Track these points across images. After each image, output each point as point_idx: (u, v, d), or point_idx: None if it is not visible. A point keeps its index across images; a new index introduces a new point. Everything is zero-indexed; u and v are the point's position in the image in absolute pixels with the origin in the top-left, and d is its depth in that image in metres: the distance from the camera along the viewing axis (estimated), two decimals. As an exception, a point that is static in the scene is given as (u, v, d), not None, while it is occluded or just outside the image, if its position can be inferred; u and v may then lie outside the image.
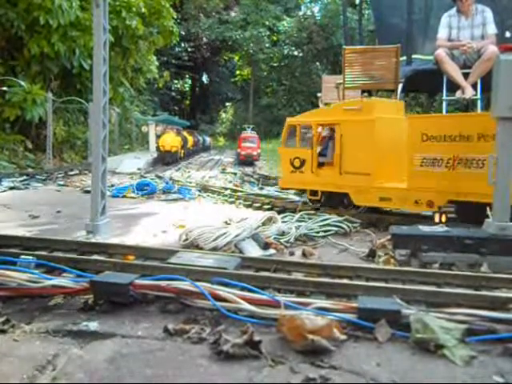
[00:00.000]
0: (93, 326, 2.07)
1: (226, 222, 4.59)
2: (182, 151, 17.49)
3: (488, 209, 3.36)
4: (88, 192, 6.33)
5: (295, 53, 30.98)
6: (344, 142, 5.08)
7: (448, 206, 4.36)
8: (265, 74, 32.52)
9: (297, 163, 5.54)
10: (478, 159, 4.14)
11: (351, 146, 5.04)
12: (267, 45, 32.35)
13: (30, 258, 2.79)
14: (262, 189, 8.20)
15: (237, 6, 31.80)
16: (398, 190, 4.66)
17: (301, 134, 5.56)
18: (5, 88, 11.81)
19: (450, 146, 4.32)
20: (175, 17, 18.48)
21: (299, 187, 5.77)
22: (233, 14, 31.89)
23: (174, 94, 34.65)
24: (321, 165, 5.39)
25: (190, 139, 20.34)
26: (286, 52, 31.26)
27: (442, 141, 4.38)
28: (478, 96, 5.79)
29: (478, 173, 4.12)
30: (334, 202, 5.28)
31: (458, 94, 5.92)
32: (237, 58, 34.63)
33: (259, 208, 5.88)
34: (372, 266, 3.16)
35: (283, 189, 6.57)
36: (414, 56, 7.82)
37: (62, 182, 9.61)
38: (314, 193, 5.39)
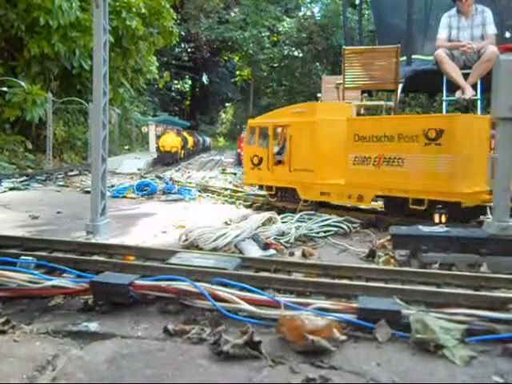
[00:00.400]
0: (93, 326, 2.07)
1: (226, 223, 4.59)
2: (182, 152, 17.48)
3: (488, 209, 3.36)
4: (88, 192, 6.33)
5: (295, 53, 30.99)
6: (293, 142, 5.58)
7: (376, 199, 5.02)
8: (265, 74, 32.53)
9: (255, 161, 6.09)
10: (399, 158, 4.58)
11: (298, 146, 5.53)
12: (267, 45, 32.36)
13: (30, 258, 2.79)
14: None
15: (237, 6, 31.81)
16: (336, 186, 5.14)
17: (261, 134, 6.07)
18: (5, 88, 11.81)
19: (376, 146, 4.77)
20: (175, 17, 18.48)
21: (258, 183, 6.31)
22: (232, 14, 31.90)
23: (173, 94, 34.66)
24: (278, 163, 5.88)
25: (190, 140, 20.34)
26: (285, 52, 31.26)
27: (370, 141, 4.83)
28: (478, 96, 5.80)
29: (398, 170, 4.58)
30: (286, 196, 5.84)
31: (458, 94, 5.92)
32: (237, 58, 34.64)
33: (259, 208, 5.88)
34: (372, 266, 3.16)
35: (246, 185, 7.27)
36: (413, 56, 7.83)
37: (62, 183, 9.61)
38: (270, 188, 5.98)
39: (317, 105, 6.30)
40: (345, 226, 4.41)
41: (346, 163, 4.96)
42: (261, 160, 6.02)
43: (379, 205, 5.18)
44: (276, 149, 5.91)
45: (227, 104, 39.04)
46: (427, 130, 4.39)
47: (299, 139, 5.50)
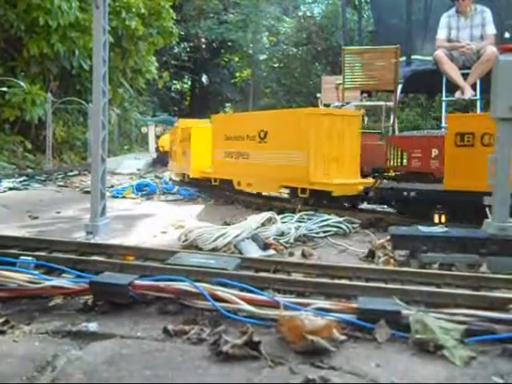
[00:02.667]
0: (92, 326, 2.07)
1: (225, 223, 4.59)
2: (182, 152, 17.45)
3: (487, 209, 3.36)
4: (87, 193, 6.34)
5: (295, 53, 30.98)
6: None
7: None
8: (264, 74, 32.49)
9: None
10: (247, 153, 6.16)
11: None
12: (267, 45, 32.33)
13: (30, 258, 2.79)
14: None
15: (236, 7, 31.80)
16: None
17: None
18: (4, 89, 11.81)
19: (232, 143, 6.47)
20: (175, 17, 18.48)
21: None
22: (231, 15, 31.89)
23: (173, 94, 34.59)
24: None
25: (190, 140, 20.28)
26: (285, 52, 31.25)
27: (231, 139, 6.49)
28: (478, 96, 5.80)
29: (244, 163, 6.18)
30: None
31: (458, 94, 5.93)
32: (236, 58, 34.64)
33: (259, 208, 5.88)
34: (371, 266, 3.16)
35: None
36: (413, 56, 7.82)
37: (61, 183, 9.62)
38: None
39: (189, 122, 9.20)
40: (344, 227, 4.41)
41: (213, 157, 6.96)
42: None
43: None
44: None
45: (227, 104, 39.01)
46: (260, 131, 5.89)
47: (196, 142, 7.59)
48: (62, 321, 2.14)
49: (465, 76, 5.85)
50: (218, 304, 2.15)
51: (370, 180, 5.31)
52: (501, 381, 1.65)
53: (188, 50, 33.67)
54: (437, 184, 4.50)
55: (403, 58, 7.43)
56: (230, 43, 32.05)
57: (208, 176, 7.13)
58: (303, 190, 5.31)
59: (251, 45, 30.65)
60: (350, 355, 1.83)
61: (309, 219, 4.50)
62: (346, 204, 5.23)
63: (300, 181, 5.33)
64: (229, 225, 4.23)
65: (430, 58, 6.78)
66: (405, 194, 4.56)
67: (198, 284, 2.26)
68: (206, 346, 1.89)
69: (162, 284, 2.32)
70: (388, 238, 3.54)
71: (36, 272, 2.58)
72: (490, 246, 3.08)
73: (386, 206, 5.12)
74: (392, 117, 7.39)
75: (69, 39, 12.87)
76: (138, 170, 13.08)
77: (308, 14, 31.60)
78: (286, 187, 5.67)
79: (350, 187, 5.09)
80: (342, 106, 6.69)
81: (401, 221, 4.48)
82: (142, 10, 15.60)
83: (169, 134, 16.90)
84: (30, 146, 13.00)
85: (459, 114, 5.48)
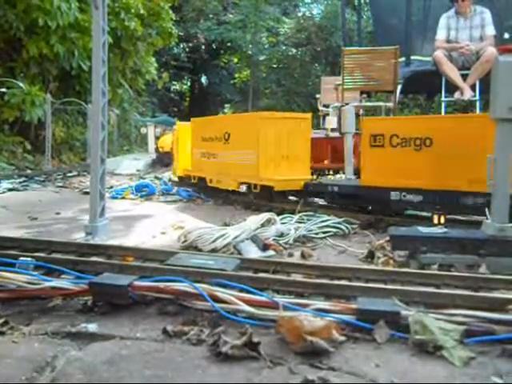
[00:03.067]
0: (92, 327, 2.07)
1: (224, 224, 4.59)
2: (181, 152, 17.45)
3: (487, 210, 3.36)
4: (87, 193, 6.32)
5: (294, 54, 30.98)
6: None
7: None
8: (264, 75, 32.50)
9: None
10: (214, 153, 6.92)
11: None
12: (266, 46, 32.33)
13: (29, 259, 2.79)
14: None
15: (236, 7, 31.80)
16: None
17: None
18: (3, 89, 11.81)
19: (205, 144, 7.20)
20: (174, 18, 18.48)
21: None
22: (231, 15, 31.89)
23: (172, 95, 34.59)
24: None
25: (189, 140, 20.29)
26: (284, 53, 31.26)
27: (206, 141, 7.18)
28: (477, 97, 5.81)
29: (214, 162, 6.93)
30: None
31: (457, 95, 5.93)
32: (236, 59, 34.64)
33: (258, 209, 5.88)
34: (371, 267, 3.16)
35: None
36: (412, 57, 7.83)
37: (60, 184, 9.61)
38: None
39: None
40: (344, 227, 4.41)
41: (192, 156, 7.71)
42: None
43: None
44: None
45: (226, 105, 39.01)
46: (225, 132, 6.55)
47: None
48: (61, 322, 2.14)
49: (464, 77, 5.86)
50: (217, 305, 2.15)
51: (311, 176, 6.03)
52: (500, 381, 1.65)
53: (187, 50, 33.67)
54: (356, 180, 5.22)
55: (402, 59, 7.43)
56: (229, 44, 32.05)
57: (189, 174, 7.76)
58: (255, 186, 5.90)
59: (250, 45, 30.66)
60: (349, 356, 1.83)
61: (308, 220, 4.50)
62: (290, 197, 6.01)
63: (252, 177, 5.94)
64: (228, 226, 4.23)
65: (429, 59, 6.78)
66: (329, 188, 5.26)
67: (197, 285, 2.27)
68: (205, 346, 1.89)
69: (161, 285, 2.32)
70: (387, 238, 3.54)
71: (35, 273, 2.58)
72: (489, 247, 3.09)
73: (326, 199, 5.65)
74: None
75: (68, 40, 12.87)
76: (138, 170, 13.08)
77: (307, 14, 31.62)
78: (244, 183, 6.24)
79: (292, 183, 5.64)
80: (342, 106, 6.69)
81: (400, 221, 4.48)
82: (142, 11, 15.59)
83: (171, 134, 16.95)
84: (29, 147, 12.99)
85: (373, 118, 5.99)
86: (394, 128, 4.63)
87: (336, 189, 5.18)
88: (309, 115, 6.36)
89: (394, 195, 4.51)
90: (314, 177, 5.70)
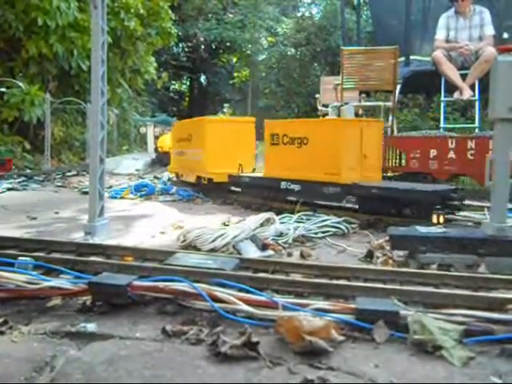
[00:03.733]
0: (91, 327, 2.07)
1: (224, 223, 4.59)
2: (181, 152, 17.46)
3: (486, 210, 3.37)
4: (86, 193, 6.32)
5: (293, 54, 30.98)
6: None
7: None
8: (263, 75, 32.48)
9: None
10: (185, 151, 8.06)
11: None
12: (265, 46, 32.33)
13: (28, 259, 2.79)
14: None
15: (235, 7, 31.79)
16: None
17: None
18: (3, 89, 11.80)
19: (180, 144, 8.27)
20: (173, 18, 18.47)
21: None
22: (231, 15, 31.88)
23: (172, 94, 34.59)
24: None
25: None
26: (284, 53, 31.26)
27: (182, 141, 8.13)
28: (476, 97, 5.81)
29: (182, 159, 8.16)
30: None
31: (456, 95, 5.95)
32: (235, 59, 34.64)
33: (257, 209, 5.88)
34: (370, 267, 3.16)
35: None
36: (412, 57, 7.84)
37: (60, 183, 9.61)
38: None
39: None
40: (343, 227, 4.41)
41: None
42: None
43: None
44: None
45: (225, 105, 39.01)
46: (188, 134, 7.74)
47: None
48: (60, 321, 2.14)
49: (463, 76, 5.87)
50: (216, 304, 2.15)
51: (236, 170, 6.74)
52: (499, 381, 1.65)
53: (186, 50, 33.67)
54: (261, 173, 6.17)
55: (402, 59, 7.44)
56: (228, 43, 32.06)
57: (174, 171, 8.93)
58: (204, 178, 7.10)
59: (250, 45, 30.66)
60: (348, 355, 1.83)
61: (307, 220, 4.50)
62: (226, 188, 6.93)
63: (202, 171, 7.10)
64: (227, 225, 4.23)
65: (428, 59, 6.79)
66: (243, 179, 6.23)
67: (196, 284, 2.26)
68: (204, 346, 1.89)
69: (160, 284, 2.32)
70: (387, 238, 3.54)
71: (34, 273, 2.58)
72: (488, 247, 3.09)
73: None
74: (390, 117, 7.39)
75: (67, 39, 12.86)
76: (137, 170, 13.08)
77: (307, 14, 31.61)
78: (199, 177, 7.31)
79: (223, 175, 6.61)
80: (341, 106, 6.70)
81: (400, 221, 4.48)
82: (141, 11, 15.59)
83: (170, 134, 16.97)
84: (28, 147, 12.99)
85: (272, 121, 6.72)
86: (285, 129, 5.61)
87: (247, 180, 6.17)
88: (252, 119, 7.48)
89: (282, 185, 5.48)
90: (238, 171, 6.52)
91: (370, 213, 4.71)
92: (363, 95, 8.00)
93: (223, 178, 6.62)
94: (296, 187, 5.35)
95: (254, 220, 4.03)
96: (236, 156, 6.64)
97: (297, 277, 2.80)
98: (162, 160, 15.53)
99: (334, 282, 2.65)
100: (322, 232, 4.28)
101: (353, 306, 2.10)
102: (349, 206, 5.29)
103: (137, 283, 2.32)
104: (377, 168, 5.26)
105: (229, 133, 6.92)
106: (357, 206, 5.05)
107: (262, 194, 6.02)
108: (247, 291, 2.28)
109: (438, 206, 4.28)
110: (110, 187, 8.13)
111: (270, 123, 6.03)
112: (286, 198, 5.57)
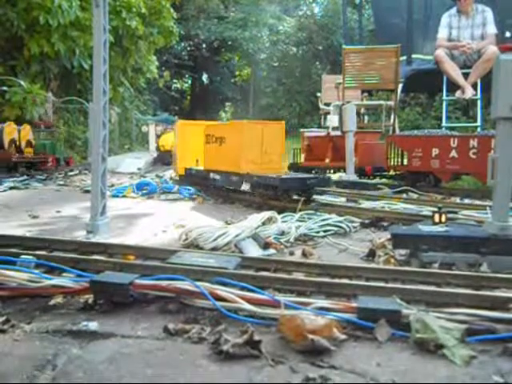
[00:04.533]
0: (93, 325, 2.07)
1: (225, 222, 4.59)
2: (182, 151, 17.48)
3: (488, 209, 3.36)
4: (88, 192, 6.33)
5: (295, 52, 30.97)
6: None
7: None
8: (264, 73, 32.48)
9: None
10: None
11: None
12: (267, 44, 32.34)
13: (30, 257, 2.79)
14: None
15: (237, 5, 31.78)
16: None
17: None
18: (5, 88, 11.82)
19: None
20: (175, 17, 18.47)
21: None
22: (232, 14, 31.86)
23: (173, 93, 34.61)
24: None
25: (190, 139, 20.31)
26: (285, 52, 31.24)
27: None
28: (478, 96, 5.80)
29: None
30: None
31: (458, 93, 5.94)
32: (237, 57, 34.63)
33: (259, 208, 5.88)
34: (372, 265, 3.16)
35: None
36: (414, 56, 7.83)
37: (61, 182, 9.63)
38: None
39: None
40: (345, 226, 4.40)
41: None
42: None
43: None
44: None
45: (227, 103, 39.03)
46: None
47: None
48: (62, 320, 2.14)
49: (465, 75, 5.86)
50: (218, 303, 2.15)
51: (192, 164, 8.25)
52: (501, 380, 1.65)
53: (188, 49, 33.66)
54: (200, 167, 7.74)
55: (404, 58, 7.43)
56: (230, 42, 32.04)
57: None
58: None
59: (251, 44, 30.65)
60: (350, 354, 1.83)
61: (309, 218, 4.50)
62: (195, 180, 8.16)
63: (178, 166, 8.98)
64: (229, 224, 4.23)
65: (430, 58, 6.79)
66: (190, 171, 8.06)
67: (198, 283, 2.27)
68: (206, 345, 1.89)
69: (162, 283, 2.32)
70: (388, 237, 3.54)
71: (36, 271, 2.59)
72: (490, 246, 3.08)
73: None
74: (392, 116, 7.39)
75: (69, 38, 12.88)
76: (139, 169, 13.10)
77: (308, 13, 31.58)
78: (185, 169, 8.52)
79: (183, 169, 8.49)
80: (343, 105, 6.70)
81: (402, 220, 4.48)
82: (143, 10, 15.61)
83: (172, 133, 17.01)
84: (30, 145, 12.98)
85: (208, 123, 8.28)
86: (213, 130, 7.14)
87: (194, 172, 7.92)
88: (203, 123, 8.58)
89: (211, 175, 7.02)
90: (195, 165, 7.98)
91: (259, 196, 5.87)
92: (365, 94, 8.00)
93: (182, 171, 8.56)
94: (218, 177, 6.78)
95: (255, 219, 4.03)
96: (193, 153, 8.22)
97: (299, 276, 2.80)
98: (163, 159, 15.56)
99: (336, 280, 2.65)
100: (324, 231, 4.28)
101: (355, 304, 2.09)
102: (247, 190, 6.25)
103: (139, 282, 2.32)
104: (277, 162, 6.27)
105: (188, 135, 8.73)
106: (251, 191, 6.09)
107: (200, 182, 7.61)
108: (249, 290, 2.28)
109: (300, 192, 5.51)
110: (112, 186, 8.14)
111: (206, 126, 7.66)
112: (212, 185, 7.08)
